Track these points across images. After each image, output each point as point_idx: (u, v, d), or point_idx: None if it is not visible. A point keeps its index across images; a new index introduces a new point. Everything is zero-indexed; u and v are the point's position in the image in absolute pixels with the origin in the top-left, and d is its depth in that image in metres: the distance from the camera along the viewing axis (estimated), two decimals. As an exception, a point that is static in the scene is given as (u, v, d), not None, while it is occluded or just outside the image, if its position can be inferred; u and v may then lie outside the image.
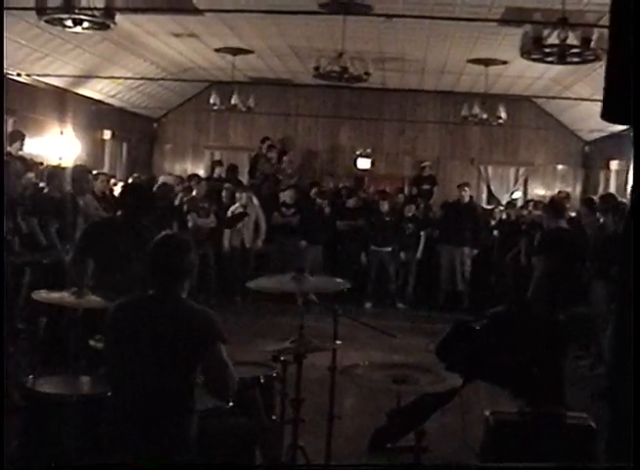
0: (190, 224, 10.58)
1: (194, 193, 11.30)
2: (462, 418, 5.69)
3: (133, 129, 14.74)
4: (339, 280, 5.01)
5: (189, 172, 15.01)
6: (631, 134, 1.99)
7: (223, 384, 3.29)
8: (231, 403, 3.67)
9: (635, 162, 2.02)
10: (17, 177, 7.66)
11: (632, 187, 2.04)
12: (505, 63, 11.14)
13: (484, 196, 14.95)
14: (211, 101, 12.31)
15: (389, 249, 11.26)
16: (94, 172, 10.01)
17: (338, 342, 4.43)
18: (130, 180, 11.54)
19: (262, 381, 4.28)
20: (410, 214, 11.75)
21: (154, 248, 3.37)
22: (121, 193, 5.72)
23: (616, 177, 12.53)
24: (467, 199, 11.98)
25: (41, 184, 8.41)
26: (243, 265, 10.99)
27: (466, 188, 12.07)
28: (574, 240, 7.81)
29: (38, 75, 10.40)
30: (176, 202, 10.88)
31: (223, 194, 12.11)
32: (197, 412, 3.31)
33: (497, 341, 5.06)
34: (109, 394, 3.50)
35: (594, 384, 7.27)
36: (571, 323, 5.21)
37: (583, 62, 6.95)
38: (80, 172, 8.30)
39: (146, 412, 3.18)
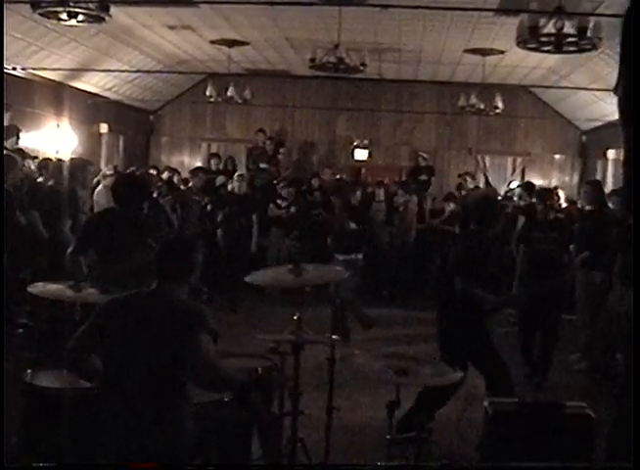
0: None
1: (190, 185, 11.22)
2: (462, 408, 5.71)
3: (129, 122, 14.71)
4: (338, 268, 4.96)
5: (186, 165, 15.02)
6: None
7: (210, 377, 3.30)
8: (230, 396, 3.67)
9: (635, 156, 2.01)
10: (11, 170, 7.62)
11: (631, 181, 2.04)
12: (502, 52, 11.10)
13: (482, 186, 14.92)
14: (207, 93, 12.27)
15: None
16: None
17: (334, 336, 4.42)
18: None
19: (260, 373, 4.28)
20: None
21: (161, 250, 3.51)
22: (115, 184, 5.68)
23: (613, 166, 12.52)
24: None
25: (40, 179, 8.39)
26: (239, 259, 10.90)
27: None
28: None
29: (34, 69, 10.35)
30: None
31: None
32: (192, 405, 3.30)
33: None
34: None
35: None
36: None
37: (580, 51, 6.94)
38: (80, 165, 8.25)
39: (139, 406, 3.18)
